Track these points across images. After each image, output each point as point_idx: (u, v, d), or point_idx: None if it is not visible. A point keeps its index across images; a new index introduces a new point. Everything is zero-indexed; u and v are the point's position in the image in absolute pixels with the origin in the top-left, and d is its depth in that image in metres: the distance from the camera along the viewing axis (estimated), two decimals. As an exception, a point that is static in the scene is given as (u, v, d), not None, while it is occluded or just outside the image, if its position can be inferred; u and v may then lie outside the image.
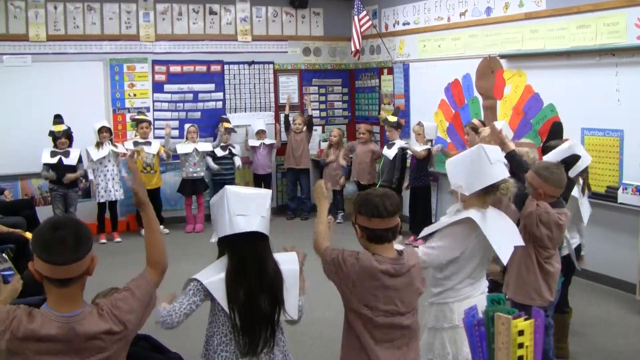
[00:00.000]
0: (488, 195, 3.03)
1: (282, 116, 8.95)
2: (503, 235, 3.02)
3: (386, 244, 2.57)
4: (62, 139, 7.29)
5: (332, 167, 8.58)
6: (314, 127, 9.24)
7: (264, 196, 2.61)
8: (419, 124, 7.45)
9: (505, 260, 2.96)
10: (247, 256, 2.52)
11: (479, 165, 2.99)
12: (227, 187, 2.61)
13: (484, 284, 3.13)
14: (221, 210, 2.55)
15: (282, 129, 8.93)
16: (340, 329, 2.83)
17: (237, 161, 8.47)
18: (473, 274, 3.04)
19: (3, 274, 3.63)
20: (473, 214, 2.97)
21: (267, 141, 8.68)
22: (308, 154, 8.80)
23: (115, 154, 7.66)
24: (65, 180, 7.28)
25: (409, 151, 7.45)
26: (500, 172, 3.01)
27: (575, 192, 4.37)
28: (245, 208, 2.51)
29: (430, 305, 3.12)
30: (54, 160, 7.25)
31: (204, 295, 2.56)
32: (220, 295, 2.50)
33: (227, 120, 8.45)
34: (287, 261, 2.67)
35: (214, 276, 2.54)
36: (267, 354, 2.55)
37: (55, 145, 7.32)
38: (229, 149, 8.39)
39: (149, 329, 3.94)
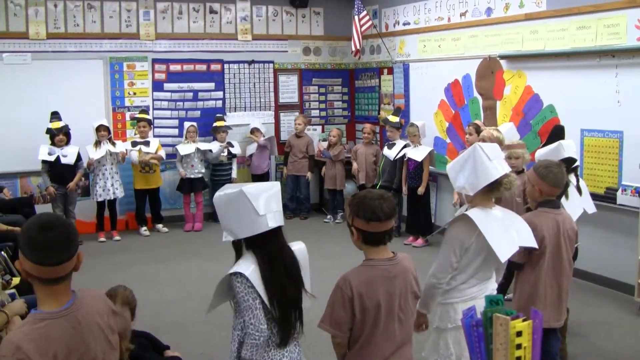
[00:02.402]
0: (492, 192, 3.03)
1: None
2: (506, 234, 3.01)
3: (381, 247, 2.57)
4: (60, 136, 7.28)
5: (330, 166, 8.57)
6: (314, 127, 9.25)
7: (277, 191, 2.68)
8: (412, 125, 7.43)
9: (502, 258, 2.96)
10: (275, 250, 2.61)
11: (478, 164, 2.99)
12: (243, 188, 2.60)
13: (491, 287, 3.10)
14: (239, 210, 2.57)
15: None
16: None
17: (233, 173, 8.48)
18: (478, 274, 3.03)
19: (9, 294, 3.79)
20: (473, 212, 2.97)
21: (261, 141, 8.62)
22: (310, 162, 8.78)
23: (111, 154, 7.63)
24: (67, 190, 7.35)
25: (407, 154, 7.44)
26: (500, 167, 3.01)
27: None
28: (267, 207, 2.58)
29: (436, 305, 3.12)
30: (51, 158, 7.25)
31: (253, 287, 2.53)
32: (260, 288, 2.54)
33: (222, 119, 8.43)
34: (294, 243, 2.77)
35: (250, 268, 2.57)
36: (296, 340, 2.66)
37: (53, 143, 7.32)
38: (228, 149, 8.37)
39: (150, 329, 3.94)
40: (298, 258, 2.70)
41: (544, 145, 4.97)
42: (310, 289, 2.74)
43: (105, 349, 2.08)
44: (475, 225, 2.93)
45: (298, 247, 2.75)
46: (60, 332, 1.98)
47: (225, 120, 8.48)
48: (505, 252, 2.97)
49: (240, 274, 2.53)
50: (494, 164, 2.98)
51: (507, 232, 3.02)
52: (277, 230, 2.63)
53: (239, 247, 2.66)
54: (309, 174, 8.74)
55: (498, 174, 2.97)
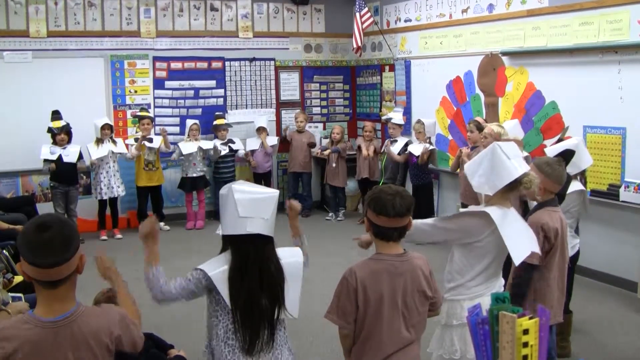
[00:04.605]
0: (512, 191, 3.00)
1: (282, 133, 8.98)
2: (521, 236, 2.99)
3: (391, 243, 2.56)
4: (61, 135, 7.27)
5: (332, 163, 8.56)
6: (315, 125, 9.22)
7: (270, 199, 2.57)
8: (419, 122, 7.44)
9: (517, 261, 2.94)
10: (250, 256, 2.52)
11: (497, 163, 2.96)
12: (233, 185, 2.57)
13: (499, 284, 3.09)
14: (227, 207, 2.54)
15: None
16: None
17: (240, 152, 8.48)
18: (486, 272, 3.01)
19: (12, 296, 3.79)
20: (492, 210, 2.94)
21: (269, 150, 8.59)
22: (310, 155, 8.79)
23: (113, 153, 7.62)
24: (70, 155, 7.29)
25: (409, 149, 7.44)
26: (520, 166, 2.97)
27: (580, 185, 4.35)
28: (250, 210, 2.49)
29: (443, 301, 3.11)
30: (53, 157, 7.23)
31: (203, 287, 2.55)
32: (223, 287, 2.50)
33: (222, 117, 8.42)
34: (290, 255, 2.67)
35: (218, 268, 2.54)
36: (267, 352, 2.54)
37: (55, 142, 7.30)
38: (230, 147, 8.37)
39: (151, 327, 3.93)
40: (287, 271, 2.58)
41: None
42: (297, 306, 2.63)
43: None
44: (490, 223, 2.90)
45: (290, 261, 2.62)
46: (37, 341, 1.92)
47: (225, 118, 8.47)
48: (520, 254, 2.94)
49: (202, 271, 2.54)
50: (512, 162, 2.95)
51: (521, 235, 3.00)
52: (262, 238, 2.51)
53: (226, 242, 2.62)
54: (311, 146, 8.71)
55: (518, 173, 2.94)
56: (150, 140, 7.89)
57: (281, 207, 2.67)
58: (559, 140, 5.22)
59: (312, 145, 8.75)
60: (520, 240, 2.97)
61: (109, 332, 2.06)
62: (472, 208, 3.19)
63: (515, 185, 2.96)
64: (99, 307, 2.13)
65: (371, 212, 2.53)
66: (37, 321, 1.95)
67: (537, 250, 3.09)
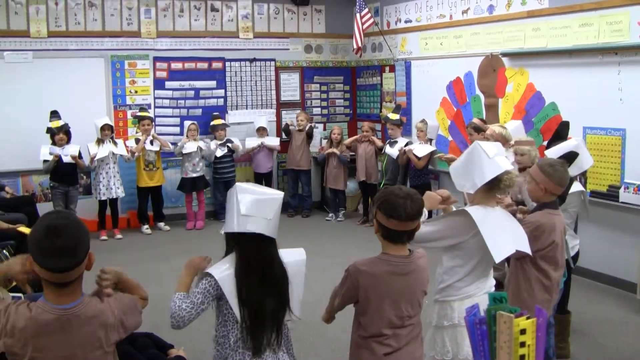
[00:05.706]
0: (493, 190, 3.01)
1: (283, 124, 8.94)
2: (504, 235, 2.98)
3: (399, 245, 2.56)
4: (60, 135, 7.27)
5: (332, 166, 8.56)
6: (315, 125, 9.21)
7: (274, 199, 2.55)
8: (423, 121, 7.43)
9: (497, 259, 2.93)
10: (252, 256, 2.52)
11: (478, 162, 2.97)
12: (238, 184, 2.58)
13: (489, 284, 3.09)
14: (230, 205, 2.54)
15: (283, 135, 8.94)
16: (341, 327, 2.81)
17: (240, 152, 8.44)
18: (474, 272, 3.01)
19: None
20: (473, 209, 2.95)
21: (268, 141, 8.58)
22: (309, 154, 8.80)
23: (114, 154, 7.62)
24: (69, 155, 7.22)
25: (414, 151, 7.43)
26: (500, 164, 2.97)
27: (580, 186, 4.34)
28: (252, 209, 2.48)
29: (434, 303, 3.12)
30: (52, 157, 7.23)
31: (213, 295, 2.53)
32: (229, 290, 2.49)
33: (219, 117, 8.43)
34: (291, 255, 2.65)
35: (225, 271, 2.53)
36: (272, 354, 2.54)
37: (54, 142, 7.30)
38: (228, 147, 8.36)
39: (151, 327, 3.93)
40: (290, 272, 2.58)
41: (549, 142, 4.93)
42: (300, 306, 2.64)
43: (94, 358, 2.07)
44: (473, 222, 2.91)
45: (293, 260, 2.62)
46: (44, 326, 1.98)
47: (222, 118, 8.46)
48: (500, 252, 2.93)
49: (211, 276, 2.51)
50: (493, 161, 2.96)
51: (505, 233, 3.00)
52: (264, 239, 2.50)
53: (229, 242, 2.61)
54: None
55: (497, 171, 2.95)
56: (152, 143, 7.90)
57: (282, 208, 2.65)
58: (558, 135, 5.22)
59: (305, 131, 8.64)
60: (503, 239, 2.96)
61: (110, 323, 2.11)
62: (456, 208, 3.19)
63: (496, 183, 2.97)
64: (94, 300, 2.14)
65: (381, 214, 2.50)
66: (49, 307, 2.01)
67: (526, 249, 3.08)
